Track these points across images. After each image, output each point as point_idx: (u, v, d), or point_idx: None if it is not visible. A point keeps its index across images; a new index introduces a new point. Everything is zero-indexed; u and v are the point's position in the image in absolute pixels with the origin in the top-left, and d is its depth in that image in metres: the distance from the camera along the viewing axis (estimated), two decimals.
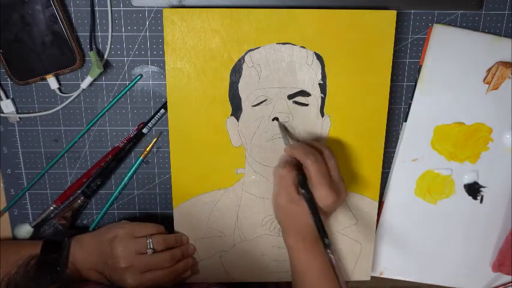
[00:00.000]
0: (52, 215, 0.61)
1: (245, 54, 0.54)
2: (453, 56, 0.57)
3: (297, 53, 0.55)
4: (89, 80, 0.56)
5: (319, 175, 0.49)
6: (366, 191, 0.60)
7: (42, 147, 0.60)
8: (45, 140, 0.60)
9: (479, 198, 0.63)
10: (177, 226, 0.60)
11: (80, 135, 0.59)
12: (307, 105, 0.56)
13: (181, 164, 0.58)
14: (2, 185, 0.61)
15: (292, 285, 0.56)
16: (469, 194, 0.63)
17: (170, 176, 0.60)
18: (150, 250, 0.54)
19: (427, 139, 0.60)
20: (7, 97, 0.58)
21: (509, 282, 0.66)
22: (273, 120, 0.56)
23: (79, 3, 0.55)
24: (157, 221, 0.62)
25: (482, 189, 0.62)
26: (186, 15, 0.53)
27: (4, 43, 0.54)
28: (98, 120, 0.59)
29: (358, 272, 0.63)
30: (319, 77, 0.56)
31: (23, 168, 0.61)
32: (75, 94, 0.57)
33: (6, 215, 0.62)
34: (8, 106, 0.57)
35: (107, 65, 0.57)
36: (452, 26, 0.57)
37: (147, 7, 0.55)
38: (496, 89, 0.58)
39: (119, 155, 0.59)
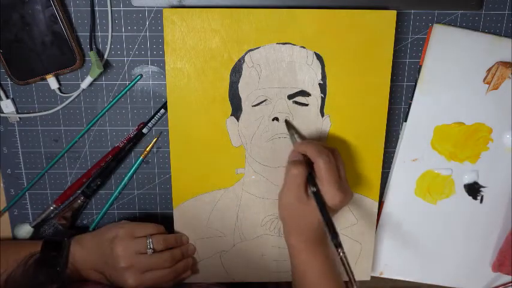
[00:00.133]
0: (52, 215, 0.61)
1: (245, 54, 0.55)
2: (453, 56, 0.57)
3: (297, 53, 0.55)
4: (89, 80, 0.56)
5: (329, 174, 0.49)
6: (366, 191, 0.60)
7: (42, 147, 0.60)
8: (45, 140, 0.60)
9: (479, 198, 0.63)
10: (177, 226, 0.60)
11: (80, 135, 0.59)
12: (307, 105, 0.56)
13: (181, 164, 0.58)
14: (2, 185, 0.61)
15: (292, 285, 0.56)
16: (469, 194, 0.63)
17: (170, 176, 0.60)
18: (150, 250, 0.54)
19: (427, 139, 0.60)
20: (7, 97, 0.58)
21: (509, 282, 0.66)
22: (273, 120, 0.56)
23: (79, 3, 0.55)
24: (157, 221, 0.62)
25: (482, 189, 0.62)
26: (186, 15, 0.53)
27: (4, 43, 0.54)
28: (98, 120, 0.59)
29: (358, 272, 0.63)
30: (319, 77, 0.56)
31: (23, 168, 0.61)
32: (75, 94, 0.57)
33: (6, 215, 0.62)
34: (8, 106, 0.57)
35: (107, 65, 0.57)
36: (452, 26, 0.57)
37: (147, 7, 0.55)
38: (496, 89, 0.58)
39: (119, 155, 0.59)
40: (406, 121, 0.60)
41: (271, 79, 0.55)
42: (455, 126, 0.59)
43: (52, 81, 0.56)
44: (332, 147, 0.53)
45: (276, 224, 0.60)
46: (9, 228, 0.62)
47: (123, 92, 0.58)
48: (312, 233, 0.51)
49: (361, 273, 0.63)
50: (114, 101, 0.58)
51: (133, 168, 0.60)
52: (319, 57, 0.55)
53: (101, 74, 0.57)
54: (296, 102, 0.56)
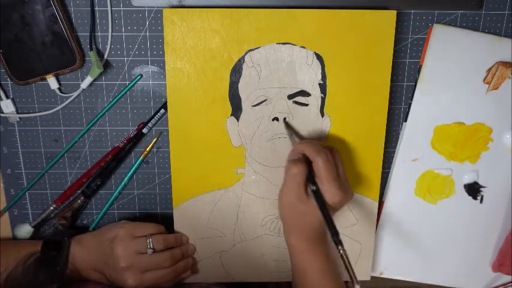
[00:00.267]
0: (52, 215, 0.61)
1: (245, 54, 0.55)
2: (453, 56, 0.57)
3: (297, 53, 0.55)
4: (89, 80, 0.56)
5: (328, 173, 0.49)
6: (366, 191, 0.60)
7: (42, 147, 0.60)
8: (45, 140, 0.60)
9: (479, 198, 0.63)
10: (177, 226, 0.60)
11: (80, 135, 0.59)
12: (307, 105, 0.56)
13: (181, 164, 0.58)
14: (2, 185, 0.61)
15: (292, 284, 0.56)
16: (469, 194, 0.63)
17: (170, 176, 0.60)
18: (150, 250, 0.54)
19: (427, 139, 0.60)
20: (7, 97, 0.58)
21: (509, 282, 0.66)
22: (273, 120, 0.56)
23: (79, 3, 0.55)
24: (157, 221, 0.62)
25: (482, 189, 0.62)
26: (186, 15, 0.53)
27: (4, 43, 0.54)
28: (98, 120, 0.59)
29: (358, 272, 0.63)
30: (319, 77, 0.56)
31: (23, 168, 0.61)
32: (75, 94, 0.57)
33: (6, 215, 0.62)
34: (8, 106, 0.57)
35: (107, 65, 0.57)
36: (452, 26, 0.57)
37: (147, 7, 0.55)
38: (496, 89, 0.58)
39: (119, 155, 0.59)
40: (406, 121, 0.60)
41: (271, 79, 0.55)
42: (455, 126, 0.59)
43: (52, 81, 0.56)
44: (331, 146, 0.53)
45: (276, 224, 0.60)
46: (9, 228, 0.62)
47: (123, 92, 0.58)
48: (312, 232, 0.51)
49: (361, 273, 0.63)
50: (114, 101, 0.58)
51: (133, 168, 0.60)
52: (319, 57, 0.55)
53: (101, 74, 0.57)
54: (296, 102, 0.56)
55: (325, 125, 0.57)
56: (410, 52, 0.58)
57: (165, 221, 0.60)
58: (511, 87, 0.58)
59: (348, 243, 0.62)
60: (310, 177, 0.50)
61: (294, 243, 0.53)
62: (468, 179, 0.62)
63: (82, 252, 0.55)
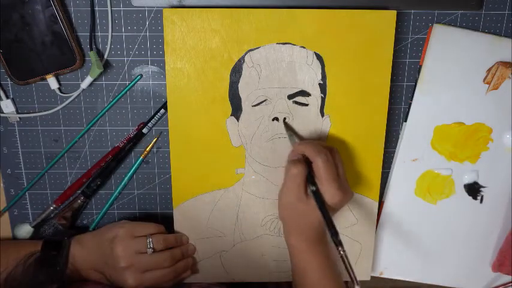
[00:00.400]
0: (52, 215, 0.61)
1: (245, 54, 0.54)
2: (453, 56, 0.57)
3: (297, 53, 0.55)
4: (89, 80, 0.56)
5: (328, 173, 0.49)
6: (366, 191, 0.60)
7: (42, 147, 0.60)
8: (45, 140, 0.60)
9: (479, 198, 0.63)
10: (177, 226, 0.60)
11: (80, 135, 0.59)
12: (307, 105, 0.56)
13: (181, 164, 0.58)
14: (2, 185, 0.61)
15: (292, 284, 0.56)
16: (469, 194, 0.63)
17: (170, 176, 0.60)
18: (150, 250, 0.54)
19: (427, 139, 0.60)
20: (7, 97, 0.58)
21: (509, 282, 0.66)
22: (273, 120, 0.56)
23: (79, 3, 0.55)
24: (157, 221, 0.62)
25: (482, 189, 0.62)
26: (186, 15, 0.53)
27: (4, 43, 0.54)
28: (98, 120, 0.59)
29: (358, 272, 0.63)
30: (319, 77, 0.56)
31: (23, 168, 0.61)
32: (75, 94, 0.57)
33: (6, 215, 0.62)
34: (8, 106, 0.57)
35: (107, 65, 0.57)
36: (452, 26, 0.57)
37: (147, 7, 0.55)
38: (496, 89, 0.58)
39: (119, 155, 0.59)
40: (406, 121, 0.60)
41: (271, 79, 0.55)
42: (455, 126, 0.59)
43: (52, 81, 0.56)
44: (330, 146, 0.53)
45: (276, 224, 0.60)
46: (9, 228, 0.62)
47: (123, 92, 0.58)
48: (312, 232, 0.51)
49: (361, 273, 0.63)
50: (114, 101, 0.58)
51: (133, 168, 0.60)
52: (319, 57, 0.55)
53: (101, 74, 0.57)
54: (296, 102, 0.56)
55: (325, 125, 0.57)
56: (410, 52, 0.58)
57: (165, 221, 0.60)
58: (511, 87, 0.58)
59: (348, 243, 0.62)
60: (310, 178, 0.50)
61: (294, 243, 0.53)
62: (468, 179, 0.62)
63: (82, 252, 0.55)
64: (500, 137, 0.60)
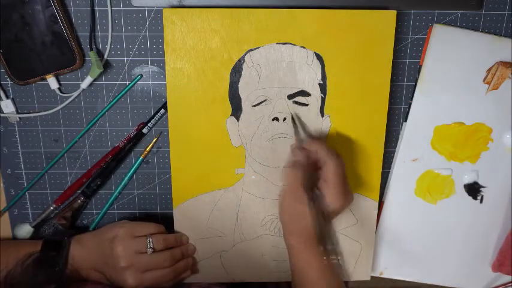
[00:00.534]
0: (52, 215, 0.61)
1: (245, 54, 0.55)
2: (453, 56, 0.57)
3: (297, 53, 0.55)
4: (89, 80, 0.56)
5: (338, 177, 0.49)
6: (366, 191, 0.60)
7: (42, 147, 0.60)
8: (45, 140, 0.60)
9: (479, 198, 0.63)
10: (177, 226, 0.60)
11: (80, 135, 0.59)
12: (307, 105, 0.56)
13: (181, 164, 0.58)
14: (2, 185, 0.61)
15: (291, 284, 0.56)
16: (469, 194, 0.63)
17: (170, 176, 0.60)
18: (150, 249, 0.54)
19: (427, 139, 0.60)
20: (7, 97, 0.58)
21: (509, 282, 0.66)
22: (273, 120, 0.56)
23: (79, 3, 0.55)
24: (157, 221, 0.62)
25: (482, 189, 0.62)
26: (186, 15, 0.53)
27: (4, 43, 0.54)
28: (98, 120, 0.59)
29: (358, 272, 0.63)
30: (319, 77, 0.56)
31: (23, 168, 0.61)
32: (75, 94, 0.57)
33: (6, 215, 0.62)
34: (8, 106, 0.57)
35: (107, 65, 0.57)
36: (452, 26, 0.57)
37: (147, 7, 0.55)
38: (496, 89, 0.58)
39: (119, 155, 0.59)
40: (406, 121, 0.60)
41: (271, 79, 0.55)
42: (455, 126, 0.59)
43: (52, 81, 0.56)
44: (336, 152, 0.53)
45: (276, 224, 0.60)
46: (9, 228, 0.62)
47: (123, 92, 0.58)
48: (312, 233, 0.51)
49: (361, 273, 0.63)
50: (114, 101, 0.58)
51: (133, 168, 0.60)
52: (319, 57, 0.55)
53: (101, 74, 0.57)
54: (296, 102, 0.56)
55: (325, 125, 0.57)
56: (410, 52, 0.58)
57: (165, 221, 0.60)
58: (511, 87, 0.58)
59: (348, 243, 0.62)
60: (312, 180, 0.50)
61: (294, 244, 0.53)
62: (468, 179, 0.62)
63: (82, 252, 0.54)
64: (500, 137, 0.60)
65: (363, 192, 0.60)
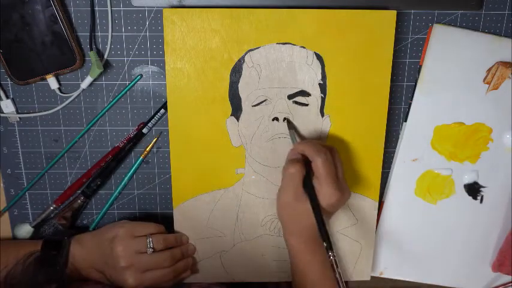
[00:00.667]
0: (52, 215, 0.61)
1: (245, 54, 0.55)
2: (453, 56, 0.57)
3: (297, 53, 0.55)
4: (89, 80, 0.56)
5: (327, 173, 0.49)
6: (366, 191, 0.60)
7: (42, 147, 0.60)
8: (45, 140, 0.60)
9: (479, 198, 0.63)
10: (177, 226, 0.60)
11: (80, 135, 0.59)
12: (307, 105, 0.56)
13: (181, 164, 0.58)
14: (2, 185, 0.61)
15: (292, 284, 0.56)
16: (469, 194, 0.63)
17: (170, 176, 0.60)
18: (150, 249, 0.54)
19: (427, 139, 0.60)
20: (7, 97, 0.58)
21: (509, 282, 0.66)
22: (273, 120, 0.56)
23: (79, 3, 0.55)
24: (157, 221, 0.62)
25: (482, 189, 0.62)
26: (186, 15, 0.53)
27: (4, 43, 0.54)
28: (98, 120, 0.59)
29: (358, 272, 0.63)
30: (319, 77, 0.56)
31: (23, 168, 0.61)
32: (75, 94, 0.57)
33: (6, 215, 0.62)
34: (8, 106, 0.57)
35: (107, 65, 0.57)
36: (452, 26, 0.57)
37: (147, 7, 0.55)
38: (496, 89, 0.58)
39: (119, 155, 0.59)
40: (406, 121, 0.60)
41: (271, 79, 0.55)
42: (455, 126, 0.59)
43: (52, 81, 0.56)
44: (330, 146, 0.53)
45: (276, 224, 0.60)
46: (9, 228, 0.62)
47: (123, 92, 0.58)
48: (312, 232, 0.51)
49: (361, 273, 0.63)
50: (114, 101, 0.58)
51: (133, 168, 0.60)
52: (319, 57, 0.55)
53: (101, 74, 0.57)
54: (296, 102, 0.56)
55: (325, 125, 0.57)
56: (410, 52, 0.58)
57: (165, 221, 0.60)
58: (511, 87, 0.58)
59: (348, 243, 0.62)
60: (307, 179, 0.50)
61: (294, 243, 0.53)
62: (468, 179, 0.62)
63: (82, 252, 0.55)
64: (500, 137, 0.60)
65: (363, 192, 0.60)
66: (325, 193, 0.49)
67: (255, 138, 0.57)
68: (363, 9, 0.54)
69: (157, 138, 0.60)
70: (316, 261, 0.52)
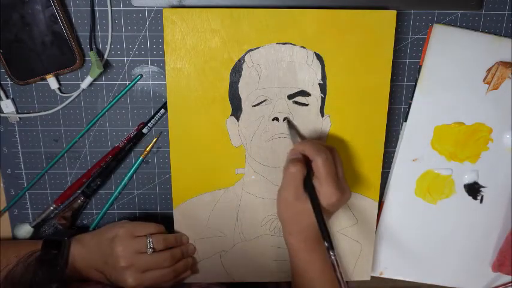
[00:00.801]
0: (52, 215, 0.61)
1: (245, 54, 0.55)
2: (453, 56, 0.57)
3: (297, 53, 0.55)
4: (89, 80, 0.56)
5: (327, 172, 0.49)
6: (366, 191, 0.60)
7: (42, 147, 0.60)
8: (45, 140, 0.60)
9: (479, 198, 0.63)
10: (177, 226, 0.60)
11: (80, 135, 0.59)
12: (307, 105, 0.56)
13: (181, 164, 0.58)
14: (2, 185, 0.61)
15: (292, 284, 0.56)
16: (469, 194, 0.63)
17: (170, 176, 0.60)
18: (150, 249, 0.54)
19: (427, 139, 0.60)
20: (7, 97, 0.58)
21: (509, 282, 0.66)
22: (273, 120, 0.56)
23: (79, 3, 0.55)
24: (157, 221, 0.62)
25: (482, 189, 0.62)
26: (186, 15, 0.53)
27: (4, 43, 0.54)
28: (98, 120, 0.59)
29: (358, 272, 0.63)
30: (319, 77, 0.56)
31: (23, 168, 0.61)
32: (75, 94, 0.57)
33: (6, 215, 0.62)
34: (8, 106, 0.57)
35: (107, 65, 0.57)
36: (452, 26, 0.57)
37: (147, 7, 0.55)
38: (496, 89, 0.58)
39: (119, 155, 0.59)
40: (406, 121, 0.60)
41: (271, 79, 0.55)
42: (455, 126, 0.59)
43: (52, 81, 0.56)
44: (330, 145, 0.53)
45: (276, 224, 0.60)
46: (9, 228, 0.62)
47: (123, 92, 0.58)
48: (312, 232, 0.51)
49: (361, 273, 0.63)
50: (114, 101, 0.58)
51: (133, 168, 0.60)
52: (319, 57, 0.55)
53: (101, 74, 0.57)
54: (296, 102, 0.56)
55: (325, 125, 0.57)
56: (410, 52, 0.58)
57: (165, 221, 0.60)
58: (511, 87, 0.58)
59: (348, 243, 0.62)
60: (308, 179, 0.50)
61: (294, 243, 0.53)
62: (468, 179, 0.62)
63: (82, 252, 0.55)
64: (500, 137, 0.60)
65: (363, 192, 0.60)
66: (326, 192, 0.49)
67: (255, 138, 0.57)
68: (363, 9, 0.54)
69: (157, 138, 0.60)
70: (316, 261, 0.52)
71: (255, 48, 0.54)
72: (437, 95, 0.58)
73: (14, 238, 0.61)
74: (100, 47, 0.57)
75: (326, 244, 0.47)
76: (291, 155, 0.54)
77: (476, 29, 0.57)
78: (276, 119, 0.56)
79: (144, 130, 0.59)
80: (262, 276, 0.63)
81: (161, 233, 0.57)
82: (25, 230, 0.60)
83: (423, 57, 0.58)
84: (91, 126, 0.59)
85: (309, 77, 0.55)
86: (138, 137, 0.59)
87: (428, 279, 0.67)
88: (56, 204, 0.61)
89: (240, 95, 0.56)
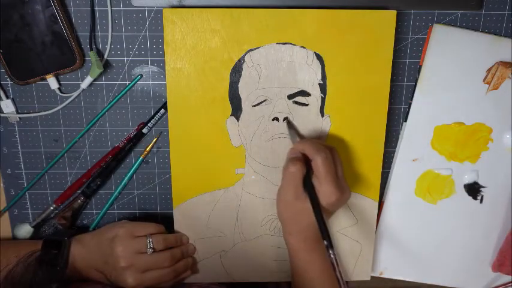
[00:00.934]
0: (52, 215, 0.61)
1: (245, 54, 0.55)
2: (453, 56, 0.57)
3: (297, 53, 0.55)
4: (89, 80, 0.56)
5: (327, 171, 0.49)
6: (366, 191, 0.60)
7: (42, 147, 0.60)
8: (45, 140, 0.60)
9: (479, 198, 0.63)
10: (177, 226, 0.60)
11: (80, 135, 0.59)
12: (307, 105, 0.56)
13: (181, 164, 0.58)
14: (2, 185, 0.61)
15: (291, 284, 0.56)
16: (469, 194, 0.63)
17: (170, 176, 0.60)
18: (150, 250, 0.54)
19: (427, 139, 0.60)
20: (7, 97, 0.58)
21: (509, 282, 0.66)
22: (273, 120, 0.56)
23: (79, 3, 0.55)
24: (157, 221, 0.62)
25: (482, 189, 0.62)
26: (186, 15, 0.53)
27: (4, 43, 0.54)
28: (98, 120, 0.59)
29: (358, 272, 0.63)
30: (319, 77, 0.56)
31: (23, 168, 0.61)
32: (75, 94, 0.57)
33: (6, 215, 0.62)
34: (8, 106, 0.57)
35: (107, 65, 0.57)
36: (452, 26, 0.57)
37: (147, 7, 0.55)
38: (496, 89, 0.58)
39: (119, 155, 0.59)
40: (406, 121, 0.60)
41: (271, 79, 0.55)
42: (455, 126, 0.59)
43: (52, 81, 0.56)
44: (330, 145, 0.53)
45: (276, 224, 0.60)
46: (9, 228, 0.62)
47: (123, 92, 0.58)
48: (311, 231, 0.51)
49: (361, 273, 0.63)
50: (114, 101, 0.58)
51: (133, 168, 0.60)
52: (319, 57, 0.55)
53: (101, 74, 0.57)
54: (296, 102, 0.56)
55: (325, 125, 0.57)
56: (410, 52, 0.58)
57: (165, 221, 0.60)
58: (511, 87, 0.58)
59: (348, 243, 0.62)
60: (307, 178, 0.50)
61: (293, 243, 0.53)
62: (468, 179, 0.62)
63: (82, 252, 0.55)
64: (500, 137, 0.60)
65: (362, 192, 0.60)
66: (325, 192, 0.49)
67: (255, 138, 0.57)
68: (363, 9, 0.54)
69: (157, 138, 0.60)
70: (316, 261, 0.52)
71: (255, 48, 0.54)
72: (437, 95, 0.58)
73: (14, 238, 0.62)
74: (100, 47, 0.57)
75: (325, 243, 0.47)
76: (290, 154, 0.54)
77: (476, 29, 0.57)
78: (276, 119, 0.56)
79: (144, 130, 0.59)
80: (262, 276, 0.63)
81: (161, 233, 0.57)
82: (25, 230, 0.60)
83: (423, 57, 0.58)
84: (91, 126, 0.59)
85: (309, 77, 0.55)
86: (138, 137, 0.59)
87: (428, 279, 0.67)
88: (56, 204, 0.61)
89: (240, 95, 0.56)
